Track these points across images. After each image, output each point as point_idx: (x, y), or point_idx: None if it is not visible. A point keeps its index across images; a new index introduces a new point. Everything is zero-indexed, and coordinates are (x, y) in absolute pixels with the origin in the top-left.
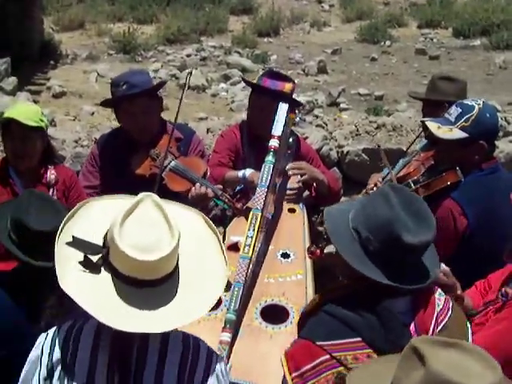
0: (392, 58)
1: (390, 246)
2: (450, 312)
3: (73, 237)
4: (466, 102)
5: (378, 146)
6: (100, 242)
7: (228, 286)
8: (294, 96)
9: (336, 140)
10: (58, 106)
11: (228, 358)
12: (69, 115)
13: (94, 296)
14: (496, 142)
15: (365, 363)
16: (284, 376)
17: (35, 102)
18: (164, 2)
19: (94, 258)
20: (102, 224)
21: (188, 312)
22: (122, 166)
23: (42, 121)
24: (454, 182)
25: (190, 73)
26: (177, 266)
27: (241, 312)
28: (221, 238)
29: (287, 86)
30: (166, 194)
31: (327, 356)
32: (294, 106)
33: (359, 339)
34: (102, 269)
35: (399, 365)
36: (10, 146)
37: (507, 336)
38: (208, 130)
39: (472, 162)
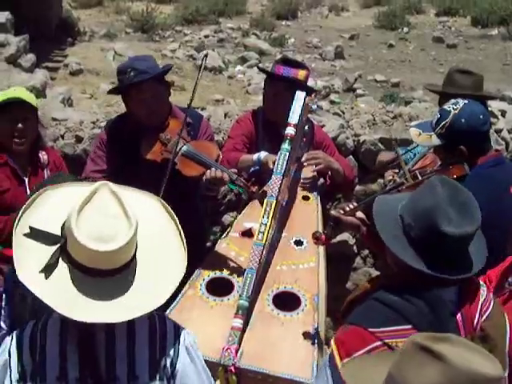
0: (409, 45)
1: (429, 235)
2: (492, 302)
3: (30, 227)
4: (445, 106)
5: (396, 141)
6: (58, 232)
7: (241, 273)
8: (310, 80)
9: (353, 129)
10: (75, 83)
11: (239, 344)
12: (85, 93)
13: (52, 286)
14: None
15: (358, 358)
16: (332, 359)
17: (52, 78)
18: None
19: (52, 248)
20: (60, 213)
21: (147, 300)
22: (131, 151)
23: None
24: (460, 176)
25: (206, 55)
26: (135, 255)
27: (253, 298)
28: (178, 223)
29: (301, 73)
30: (178, 178)
31: (379, 342)
32: (308, 92)
33: (410, 326)
34: (60, 259)
35: (402, 361)
36: (10, 128)
37: None
38: (226, 115)
39: (464, 160)
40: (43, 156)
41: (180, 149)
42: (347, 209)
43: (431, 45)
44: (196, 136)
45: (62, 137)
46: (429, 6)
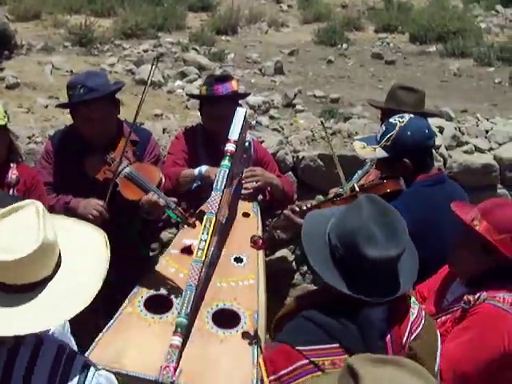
0: (348, 61)
1: (353, 257)
2: (423, 321)
3: None
4: (391, 120)
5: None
6: None
7: (180, 290)
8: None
9: (292, 145)
10: (12, 97)
11: (178, 362)
12: (22, 107)
13: None
14: (450, 152)
15: (313, 379)
16: (261, 380)
17: None
18: None
19: None
20: None
21: (52, 314)
22: (76, 166)
23: (5, 117)
24: (395, 191)
25: (157, 58)
26: (49, 278)
27: (192, 316)
28: (108, 258)
29: (234, 84)
30: (119, 200)
31: (306, 361)
32: (244, 97)
33: (337, 345)
34: None
35: (338, 382)
36: None
37: (479, 343)
38: (164, 130)
39: (406, 175)
40: (12, 174)
41: (123, 170)
42: (303, 208)
43: (370, 61)
44: (142, 155)
45: None
46: (368, 22)
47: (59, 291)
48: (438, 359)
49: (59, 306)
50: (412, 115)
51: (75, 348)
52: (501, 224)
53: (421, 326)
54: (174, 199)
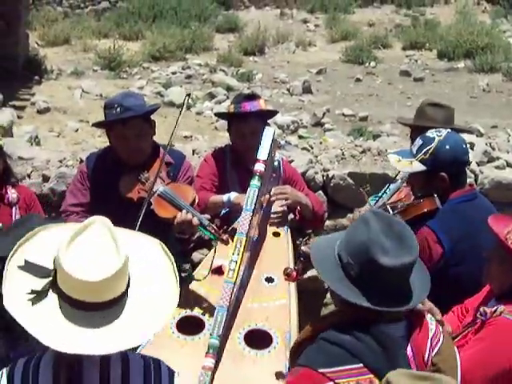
0: (376, 79)
1: (368, 269)
2: (442, 336)
3: (25, 260)
4: (428, 133)
5: (360, 191)
6: (51, 266)
7: (211, 311)
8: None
9: (321, 164)
10: (43, 121)
11: (211, 383)
12: (53, 131)
13: (40, 318)
14: (481, 168)
15: None
16: None
17: (19, 117)
18: (150, 19)
19: (44, 281)
20: (54, 248)
21: (135, 333)
22: (110, 187)
23: (1, 140)
24: (431, 210)
25: (189, 95)
26: (126, 292)
27: (224, 337)
28: (175, 268)
29: (262, 102)
30: (153, 219)
31: (331, 383)
32: (272, 115)
33: (361, 365)
34: (50, 291)
35: None
36: None
37: (489, 355)
38: (194, 152)
39: (441, 191)
40: (12, 194)
41: (157, 189)
42: None
43: (398, 78)
44: (176, 177)
45: (29, 176)
46: (395, 40)
47: (136, 306)
48: (459, 373)
49: (139, 323)
50: (449, 130)
51: None
52: None
53: (441, 341)
54: (208, 216)
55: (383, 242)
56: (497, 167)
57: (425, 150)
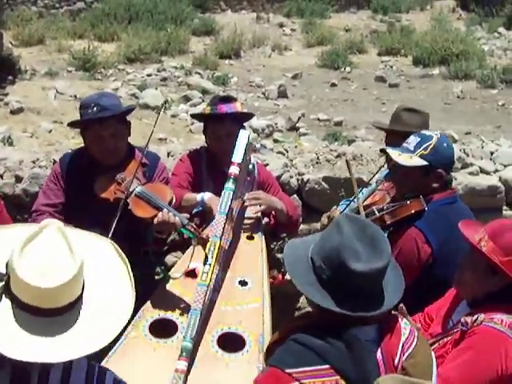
0: (352, 85)
1: (340, 274)
2: (415, 340)
3: None
4: (423, 131)
5: (347, 161)
6: (3, 270)
7: (185, 314)
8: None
9: (296, 168)
10: (16, 122)
11: None
12: (26, 132)
13: None
14: (455, 174)
15: None
16: None
17: None
18: (125, 21)
19: None
20: (6, 252)
21: (90, 341)
22: (84, 188)
23: None
24: (418, 211)
25: (166, 101)
26: (81, 296)
27: (197, 340)
28: (129, 268)
29: (238, 105)
30: (130, 219)
31: (296, 383)
32: (248, 118)
33: (328, 366)
34: (4, 297)
35: None
36: None
37: (475, 365)
38: (168, 154)
39: (431, 191)
40: None
41: (134, 189)
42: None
43: (373, 84)
44: (152, 177)
45: (1, 176)
46: (371, 45)
47: (92, 312)
48: (434, 379)
49: (94, 330)
50: (439, 131)
51: None
52: (508, 246)
53: (413, 346)
54: (187, 215)
55: (355, 246)
56: (470, 173)
57: (424, 145)
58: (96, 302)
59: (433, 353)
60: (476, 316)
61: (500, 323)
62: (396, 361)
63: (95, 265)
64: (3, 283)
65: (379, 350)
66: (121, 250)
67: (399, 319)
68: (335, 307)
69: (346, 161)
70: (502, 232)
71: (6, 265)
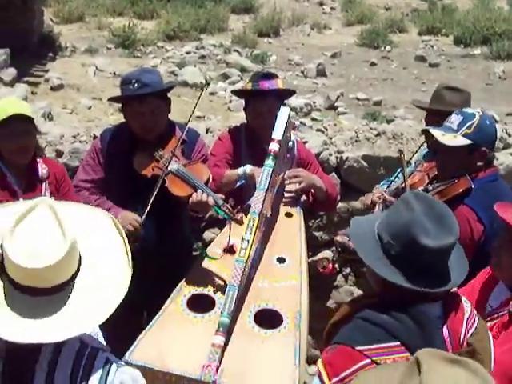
0: (391, 64)
1: (409, 250)
2: (477, 318)
3: None
4: (465, 110)
5: (400, 151)
6: None
7: (223, 289)
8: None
9: (335, 145)
10: (56, 98)
11: (220, 361)
12: (66, 108)
13: None
14: (496, 154)
15: (373, 369)
16: (320, 381)
17: (33, 93)
18: None
19: None
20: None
21: (83, 320)
22: (124, 163)
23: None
24: (466, 189)
25: (207, 83)
26: (76, 274)
27: (234, 315)
28: (127, 242)
29: (280, 82)
30: (166, 196)
31: (368, 360)
32: (290, 95)
33: (398, 343)
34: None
35: (403, 372)
36: (12, 142)
37: None
38: (208, 130)
39: (475, 169)
40: (43, 169)
41: (171, 167)
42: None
43: (413, 63)
44: (190, 155)
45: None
46: (411, 24)
47: (86, 291)
48: (492, 355)
49: (88, 309)
50: (481, 108)
51: (103, 342)
52: None
53: (476, 323)
54: (222, 196)
55: (425, 223)
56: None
57: (468, 124)
58: (91, 279)
59: (491, 335)
60: None
61: None
62: (461, 338)
63: (92, 241)
64: None
65: (445, 327)
66: (119, 225)
67: (460, 297)
68: (406, 282)
69: (400, 150)
70: None
71: (0, 246)
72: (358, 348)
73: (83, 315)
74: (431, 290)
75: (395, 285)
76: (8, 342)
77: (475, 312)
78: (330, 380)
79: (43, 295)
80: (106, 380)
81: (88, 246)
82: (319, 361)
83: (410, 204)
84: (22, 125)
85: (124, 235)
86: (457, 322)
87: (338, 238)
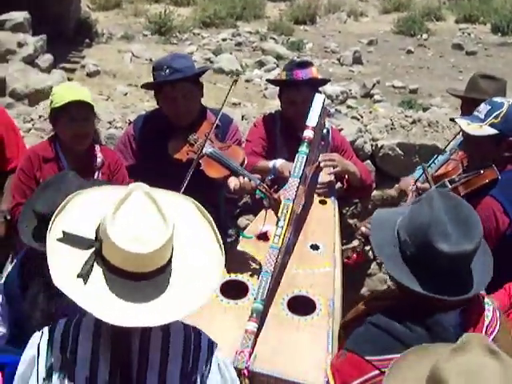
0: (428, 52)
1: (424, 252)
2: (498, 324)
3: (63, 232)
4: (495, 99)
5: (423, 167)
6: (92, 236)
7: (257, 274)
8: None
9: (370, 133)
10: (92, 85)
11: (253, 347)
12: (102, 95)
13: (88, 291)
14: None
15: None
16: None
17: (69, 79)
18: None
19: (87, 253)
20: (93, 217)
21: (184, 304)
22: (158, 148)
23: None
24: (492, 180)
25: (236, 81)
26: (171, 258)
27: (268, 302)
28: (214, 225)
29: (314, 71)
30: (202, 179)
31: (377, 371)
32: (323, 84)
33: None
34: (96, 264)
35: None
36: (70, 128)
37: None
38: (243, 117)
39: (503, 160)
40: (98, 158)
41: (206, 150)
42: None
43: (450, 52)
44: (224, 139)
45: None
46: (448, 12)
47: (183, 274)
48: None
49: (187, 294)
50: None
51: None
52: None
53: (497, 329)
54: (258, 176)
55: (445, 225)
56: None
57: (495, 113)
58: (186, 263)
59: None
60: None
61: None
62: None
63: (183, 228)
64: (93, 249)
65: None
66: (205, 211)
67: (482, 301)
68: (418, 287)
69: (422, 165)
70: None
71: (96, 232)
72: (368, 358)
73: (184, 298)
74: (447, 297)
75: (409, 289)
76: (115, 325)
77: (498, 315)
78: None
79: (143, 279)
80: (212, 358)
81: (178, 232)
82: (328, 366)
83: (433, 203)
84: (80, 111)
85: (210, 219)
86: (475, 329)
87: (362, 229)
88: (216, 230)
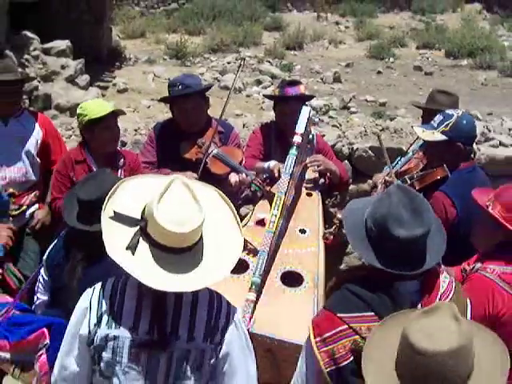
0: (394, 72)
1: (385, 238)
2: (451, 293)
3: (114, 212)
4: (447, 111)
5: (378, 136)
6: (138, 216)
7: (255, 253)
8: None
9: (348, 138)
10: (121, 99)
11: (253, 313)
12: (130, 107)
13: (136, 261)
14: (478, 146)
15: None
16: (308, 338)
17: (103, 95)
18: (210, 18)
19: (132, 230)
20: (139, 200)
21: (213, 273)
22: (172, 150)
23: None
24: (443, 177)
25: (244, 59)
26: (201, 235)
27: (264, 276)
28: (234, 210)
29: (302, 88)
30: (208, 175)
31: (345, 326)
32: (310, 99)
33: (373, 313)
34: (140, 238)
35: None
36: (108, 134)
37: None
38: (244, 125)
39: (455, 161)
40: (120, 158)
41: (212, 151)
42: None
43: (412, 72)
44: (226, 143)
45: None
46: (411, 40)
47: (212, 247)
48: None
49: (215, 266)
50: (463, 110)
51: None
52: (509, 204)
53: (450, 296)
54: (253, 172)
55: (401, 214)
56: (491, 146)
57: (446, 123)
58: (214, 240)
59: (468, 301)
60: (473, 265)
61: (491, 272)
62: None
63: (210, 211)
64: (139, 227)
65: (419, 301)
66: (225, 196)
67: (440, 274)
68: (377, 264)
69: (378, 136)
70: (505, 193)
71: (142, 213)
72: (339, 315)
73: (212, 268)
74: (403, 272)
75: (371, 264)
76: (157, 290)
77: (453, 286)
78: (315, 338)
79: (179, 253)
80: (230, 317)
81: (208, 213)
82: (310, 321)
83: (391, 197)
84: (115, 119)
85: (231, 205)
86: (431, 297)
87: (339, 215)
88: (236, 213)
